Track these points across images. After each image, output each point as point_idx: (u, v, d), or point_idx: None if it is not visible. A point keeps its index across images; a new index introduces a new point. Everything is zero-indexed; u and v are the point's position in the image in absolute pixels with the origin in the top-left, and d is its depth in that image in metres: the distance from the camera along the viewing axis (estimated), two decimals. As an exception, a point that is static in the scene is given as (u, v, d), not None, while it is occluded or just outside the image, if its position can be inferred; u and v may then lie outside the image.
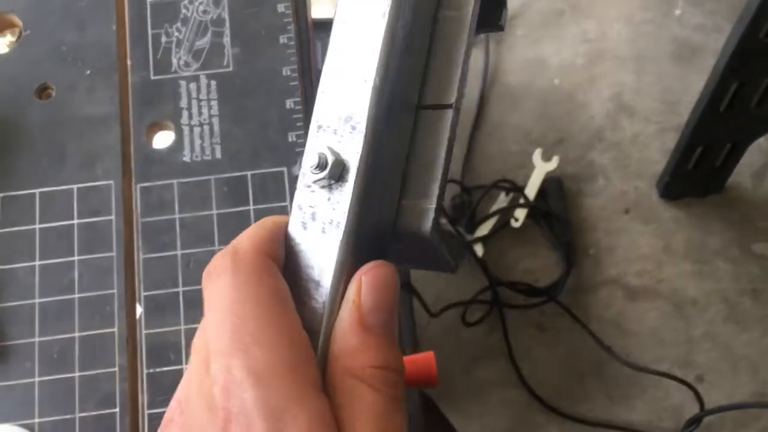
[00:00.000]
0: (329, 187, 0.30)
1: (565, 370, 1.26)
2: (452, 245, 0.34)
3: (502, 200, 1.33)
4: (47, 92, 0.56)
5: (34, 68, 0.56)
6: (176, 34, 0.57)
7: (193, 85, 0.56)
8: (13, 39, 0.59)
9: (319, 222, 0.30)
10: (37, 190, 0.54)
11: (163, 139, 0.56)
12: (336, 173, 0.29)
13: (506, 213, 1.32)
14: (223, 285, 0.27)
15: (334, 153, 0.29)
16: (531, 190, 1.32)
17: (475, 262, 1.25)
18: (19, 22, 0.58)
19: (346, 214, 0.29)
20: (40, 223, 0.53)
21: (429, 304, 1.17)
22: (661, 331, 1.28)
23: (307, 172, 0.30)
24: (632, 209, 1.35)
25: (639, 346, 1.27)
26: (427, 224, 0.31)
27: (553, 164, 1.33)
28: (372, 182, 0.30)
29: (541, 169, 1.33)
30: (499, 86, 1.43)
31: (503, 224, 1.32)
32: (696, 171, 1.27)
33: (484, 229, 1.32)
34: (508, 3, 0.37)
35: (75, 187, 0.54)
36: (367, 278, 0.29)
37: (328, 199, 0.30)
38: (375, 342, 0.28)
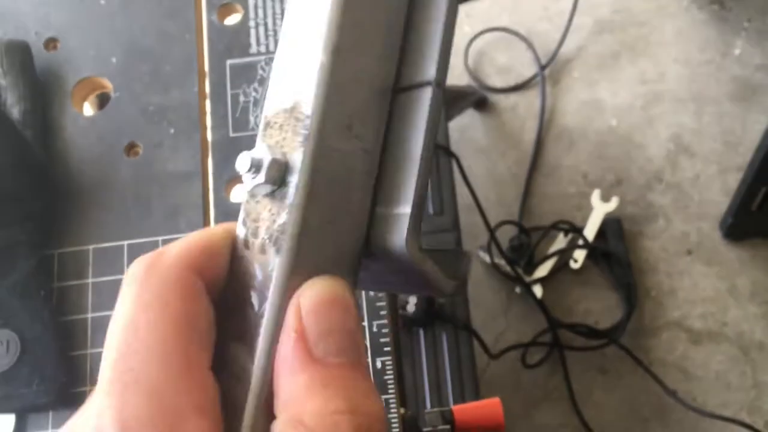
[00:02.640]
0: (272, 194, 0.24)
1: (628, 414, 1.25)
2: (446, 261, 0.27)
3: (560, 241, 1.34)
4: (135, 150, 0.60)
5: (123, 128, 0.60)
6: (253, 93, 0.61)
7: (269, 142, 0.60)
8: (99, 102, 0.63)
9: (260, 238, 0.24)
10: (125, 242, 0.57)
11: (240, 193, 0.59)
12: (275, 177, 0.24)
13: (565, 254, 1.33)
14: (127, 298, 0.23)
15: (274, 152, 0.24)
16: (590, 231, 1.32)
17: (534, 303, 1.25)
18: (110, 85, 0.62)
19: (285, 227, 0.24)
20: (128, 273, 0.56)
21: (489, 346, 1.18)
22: (726, 375, 1.26)
23: (244, 177, 0.25)
24: (694, 250, 1.33)
25: (704, 391, 1.25)
26: (401, 236, 0.25)
27: (612, 205, 1.33)
28: (328, 186, 0.24)
29: (599, 209, 1.33)
30: (556, 128, 1.44)
31: (562, 265, 1.33)
32: (760, 211, 1.25)
33: (542, 271, 1.32)
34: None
35: (160, 238, 0.57)
36: (306, 297, 0.23)
37: (270, 210, 0.24)
38: (331, 377, 0.21)
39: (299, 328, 0.22)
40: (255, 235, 0.25)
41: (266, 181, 0.24)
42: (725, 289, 1.31)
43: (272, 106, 0.26)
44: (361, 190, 0.26)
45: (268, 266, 0.24)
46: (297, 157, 0.24)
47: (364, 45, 0.26)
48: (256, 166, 0.24)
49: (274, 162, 0.24)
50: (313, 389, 0.21)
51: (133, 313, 0.22)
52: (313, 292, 0.23)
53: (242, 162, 0.24)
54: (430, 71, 0.26)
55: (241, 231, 0.26)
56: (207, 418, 0.20)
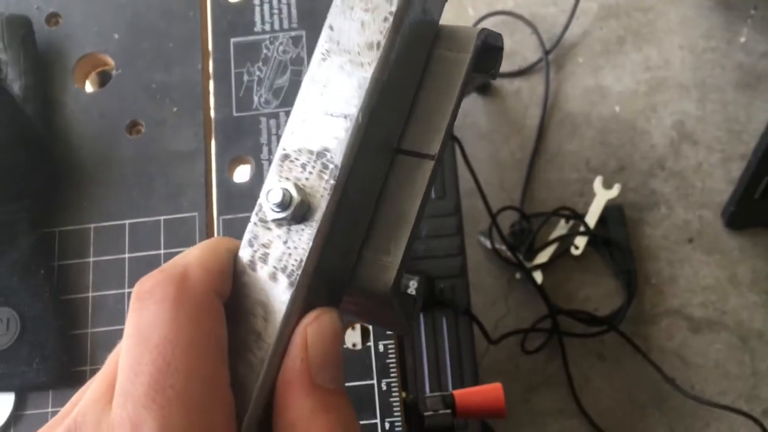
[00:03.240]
0: (288, 228, 0.26)
1: (626, 401, 1.25)
2: (407, 306, 0.30)
3: (561, 227, 1.33)
4: (137, 128, 0.59)
5: (125, 105, 0.59)
6: (258, 73, 0.60)
7: (272, 122, 0.59)
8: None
9: (270, 266, 0.26)
10: (126, 221, 0.57)
11: (243, 173, 0.59)
12: (299, 215, 0.26)
13: (566, 240, 1.32)
14: (160, 316, 0.23)
15: (300, 191, 0.26)
16: (591, 218, 1.32)
17: (534, 289, 1.25)
18: (112, 62, 0.61)
19: (302, 264, 0.25)
20: (129, 252, 0.56)
21: (488, 331, 1.18)
22: (725, 363, 1.26)
23: (266, 207, 0.26)
24: (696, 239, 1.33)
25: (702, 379, 1.25)
26: (387, 283, 0.28)
27: (614, 192, 1.32)
28: (340, 231, 0.27)
29: (601, 196, 1.33)
30: (559, 114, 1.43)
31: (563, 252, 1.32)
32: (763, 200, 1.24)
33: (543, 257, 1.31)
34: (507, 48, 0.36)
35: (162, 218, 0.56)
36: (313, 329, 0.25)
37: (285, 242, 0.26)
38: (332, 403, 0.24)
39: (305, 357, 0.25)
40: (264, 261, 0.26)
41: (291, 218, 0.26)
42: (726, 277, 1.30)
43: (295, 142, 0.27)
44: (358, 236, 0.29)
45: (277, 295, 0.25)
46: (319, 202, 0.26)
47: (391, 108, 0.28)
48: (285, 203, 0.25)
49: (302, 203, 0.26)
50: (317, 413, 0.24)
51: (172, 333, 0.23)
52: (318, 325, 0.25)
53: (274, 196, 0.26)
54: (435, 147, 0.29)
55: (246, 252, 0.27)
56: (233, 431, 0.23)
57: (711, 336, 1.27)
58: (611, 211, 1.33)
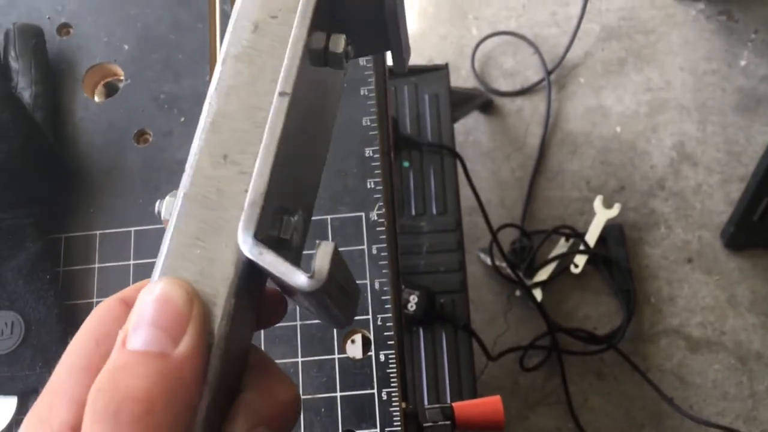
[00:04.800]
0: None
1: (624, 419, 1.25)
2: (337, 297, 0.28)
3: (562, 246, 1.34)
4: (145, 137, 0.60)
5: (133, 115, 0.60)
6: (264, 85, 0.61)
7: (278, 133, 0.60)
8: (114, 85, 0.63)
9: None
10: (132, 228, 0.57)
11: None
12: None
13: (566, 259, 1.33)
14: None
15: None
16: (591, 237, 1.33)
17: (534, 306, 1.26)
18: (121, 72, 0.62)
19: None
20: (134, 259, 0.57)
21: (487, 348, 1.18)
22: (723, 384, 1.26)
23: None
24: (695, 259, 1.33)
25: (701, 399, 1.25)
26: (243, 232, 0.26)
27: (614, 211, 1.33)
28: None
29: (601, 215, 1.33)
30: (560, 133, 1.44)
31: (563, 270, 1.33)
32: (762, 222, 1.25)
33: (543, 274, 1.32)
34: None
35: (167, 226, 0.57)
36: (140, 295, 0.26)
37: None
38: (132, 363, 0.24)
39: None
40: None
41: None
42: (725, 298, 1.31)
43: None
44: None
45: None
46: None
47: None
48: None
49: None
50: (115, 371, 0.24)
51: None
52: (143, 291, 0.26)
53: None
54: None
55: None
56: None
57: (710, 356, 1.28)
58: (611, 230, 1.34)
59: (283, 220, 0.28)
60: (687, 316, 1.30)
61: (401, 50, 0.35)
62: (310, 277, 0.25)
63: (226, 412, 0.27)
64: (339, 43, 0.30)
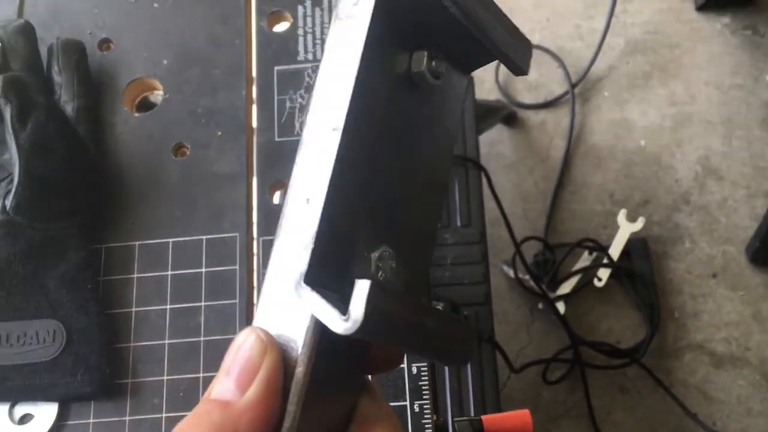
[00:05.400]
0: None
1: (647, 434, 1.24)
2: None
3: (585, 259, 1.34)
4: (182, 150, 0.61)
5: (171, 128, 0.62)
6: (299, 100, 0.62)
7: (313, 148, 0.61)
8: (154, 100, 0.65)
9: None
10: (170, 240, 0.59)
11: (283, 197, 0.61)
12: None
13: (589, 272, 1.33)
14: None
15: None
16: (615, 250, 1.33)
17: (557, 319, 1.26)
18: (160, 86, 0.64)
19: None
20: (171, 269, 0.58)
21: (511, 360, 1.18)
22: (748, 400, 1.25)
23: None
24: (720, 274, 1.33)
25: (725, 415, 1.24)
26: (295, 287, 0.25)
27: (638, 225, 1.33)
28: None
29: (625, 229, 1.33)
30: (584, 146, 1.45)
31: (586, 283, 1.33)
32: (788, 238, 1.25)
33: (566, 287, 1.32)
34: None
35: (204, 238, 0.58)
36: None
37: None
38: (203, 412, 0.26)
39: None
40: None
41: None
42: (749, 314, 1.30)
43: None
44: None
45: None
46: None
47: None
48: None
49: None
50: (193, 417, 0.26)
51: None
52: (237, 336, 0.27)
53: None
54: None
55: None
56: None
57: (734, 372, 1.27)
58: (635, 244, 1.34)
59: (365, 260, 0.27)
60: (711, 331, 1.30)
61: (507, 55, 0.31)
62: (345, 320, 0.23)
63: None
64: (420, 60, 0.28)
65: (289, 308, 0.26)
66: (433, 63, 0.28)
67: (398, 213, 0.29)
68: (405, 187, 0.29)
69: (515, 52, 0.31)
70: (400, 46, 0.28)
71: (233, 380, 0.26)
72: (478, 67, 0.32)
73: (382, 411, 0.29)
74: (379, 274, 0.27)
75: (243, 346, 0.26)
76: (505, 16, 0.30)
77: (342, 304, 0.23)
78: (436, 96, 0.30)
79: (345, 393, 0.28)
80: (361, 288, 0.23)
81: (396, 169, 0.29)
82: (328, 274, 0.25)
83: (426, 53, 0.28)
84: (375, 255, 0.27)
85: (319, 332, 0.25)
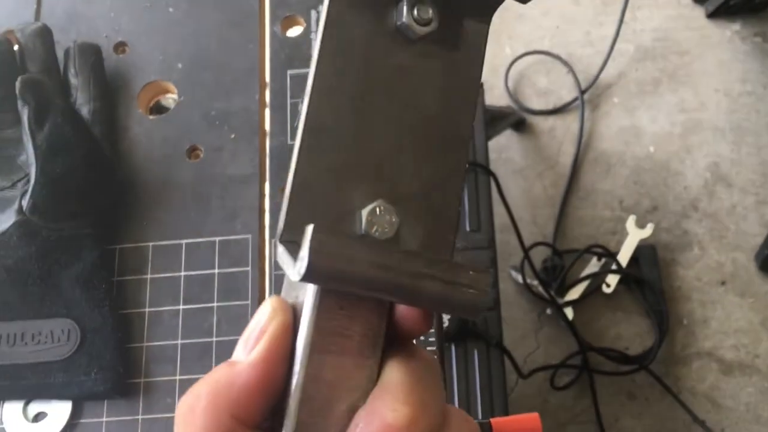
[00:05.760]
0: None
1: (655, 441, 1.24)
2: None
3: (593, 265, 1.34)
4: (196, 153, 0.62)
5: (186, 131, 0.62)
6: (312, 103, 0.63)
7: (325, 151, 0.61)
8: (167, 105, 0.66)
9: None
10: (183, 241, 0.59)
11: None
12: None
13: (598, 278, 1.33)
14: None
15: None
16: (624, 257, 1.33)
17: (565, 325, 1.26)
18: (175, 89, 0.64)
19: None
20: (184, 270, 0.58)
21: (519, 366, 1.18)
22: (756, 407, 1.25)
23: None
24: (728, 281, 1.33)
25: (733, 422, 1.24)
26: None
27: (647, 231, 1.33)
28: None
29: (634, 235, 1.33)
30: (593, 152, 1.45)
31: (594, 289, 1.33)
32: (797, 245, 1.24)
33: (574, 293, 1.32)
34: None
35: (217, 239, 0.59)
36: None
37: None
38: None
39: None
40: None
41: None
42: (758, 321, 1.30)
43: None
44: None
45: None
46: None
47: None
48: None
49: None
50: None
51: None
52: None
53: None
54: None
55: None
56: None
57: (743, 379, 1.27)
58: (644, 250, 1.34)
59: (353, 216, 0.27)
60: (720, 338, 1.30)
61: None
62: (295, 267, 0.24)
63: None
64: (402, 11, 0.28)
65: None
66: (416, 10, 0.28)
67: (402, 169, 0.28)
68: (409, 141, 0.29)
69: None
70: (386, 1, 0.28)
71: (242, 343, 0.26)
72: (490, 10, 0.31)
73: (404, 375, 0.27)
74: (374, 229, 0.27)
75: (258, 312, 0.27)
76: None
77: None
78: (444, 47, 0.29)
79: (367, 358, 0.27)
80: (306, 234, 0.23)
81: (396, 125, 0.28)
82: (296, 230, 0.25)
83: (405, 1, 0.28)
84: (365, 210, 0.27)
85: (323, 293, 0.25)
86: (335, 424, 0.25)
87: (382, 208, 0.27)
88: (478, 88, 0.31)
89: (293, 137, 0.62)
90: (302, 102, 0.26)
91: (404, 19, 0.28)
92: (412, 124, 0.29)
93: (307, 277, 0.23)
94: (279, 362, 0.26)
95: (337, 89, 0.27)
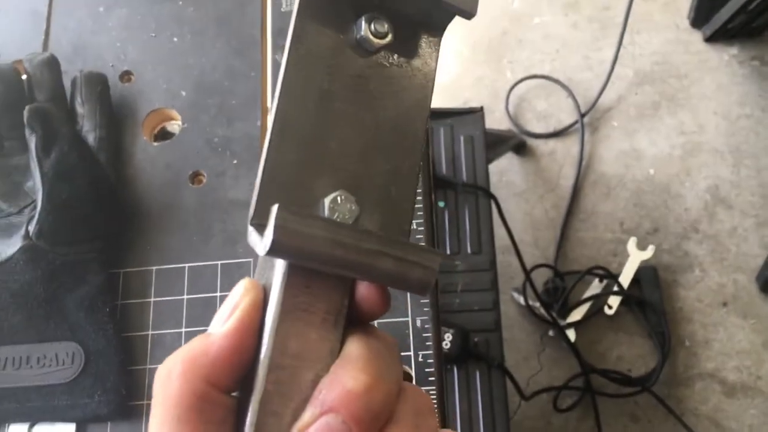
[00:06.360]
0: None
1: (658, 463, 1.24)
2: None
3: (595, 287, 1.35)
4: (199, 178, 0.63)
5: (189, 157, 0.64)
6: (312, 130, 0.64)
7: (325, 176, 0.63)
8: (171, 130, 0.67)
9: None
10: (186, 265, 0.60)
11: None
12: None
13: (600, 300, 1.33)
14: (152, 417, 0.28)
15: None
16: (625, 278, 1.33)
17: (567, 347, 1.26)
18: (179, 117, 0.66)
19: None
20: (187, 294, 0.60)
21: (521, 388, 1.18)
22: (760, 429, 1.25)
23: None
24: (730, 302, 1.33)
25: (737, 445, 1.24)
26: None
27: (648, 253, 1.34)
28: None
29: (635, 257, 1.34)
30: (594, 175, 1.46)
31: (596, 311, 1.33)
32: (798, 266, 1.25)
33: (576, 315, 1.33)
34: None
35: (219, 263, 0.60)
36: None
37: None
38: None
39: None
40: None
41: None
42: (761, 342, 1.30)
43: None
44: None
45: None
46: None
47: None
48: None
49: None
50: None
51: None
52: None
53: None
54: None
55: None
56: None
57: (745, 401, 1.26)
58: (645, 272, 1.34)
59: (317, 203, 0.30)
60: (722, 359, 1.30)
61: (453, 4, 0.32)
62: (262, 242, 0.26)
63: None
64: (360, 26, 0.31)
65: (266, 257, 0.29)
66: (373, 25, 0.31)
67: (362, 164, 0.32)
68: (368, 140, 0.32)
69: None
70: (347, 15, 0.31)
71: (217, 317, 0.29)
72: (441, 26, 0.34)
73: (359, 349, 0.29)
74: (335, 215, 0.29)
75: (233, 291, 0.29)
76: None
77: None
78: (399, 58, 0.33)
79: (330, 333, 0.29)
80: (272, 212, 0.26)
81: (355, 125, 0.32)
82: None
83: (364, 17, 0.31)
84: (328, 199, 0.30)
85: (290, 272, 0.28)
86: (300, 392, 0.28)
87: (343, 197, 0.30)
88: (431, 94, 0.34)
89: (294, 163, 0.63)
90: (272, 103, 0.30)
91: (362, 33, 0.31)
92: (371, 125, 0.32)
93: (272, 251, 0.26)
94: (249, 334, 0.28)
95: (302, 93, 0.30)
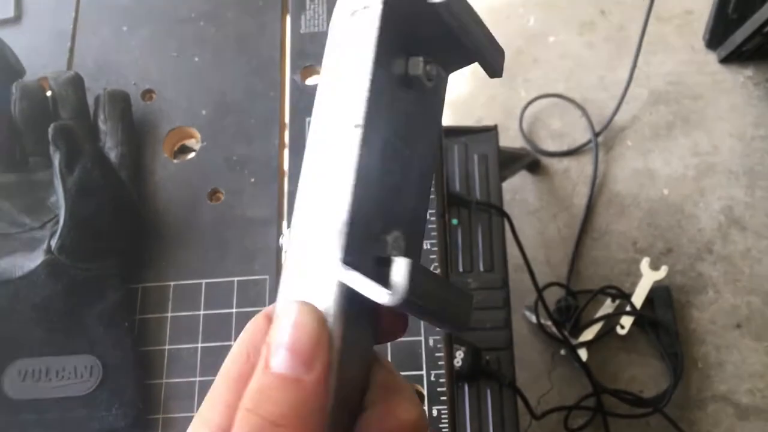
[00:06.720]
0: None
1: (670, 486, 1.23)
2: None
3: (608, 306, 1.35)
4: (217, 196, 0.65)
5: (208, 174, 0.65)
6: (329, 149, 0.65)
7: (341, 195, 0.64)
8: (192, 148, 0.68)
9: None
10: (203, 281, 0.61)
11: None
12: None
13: (612, 319, 1.33)
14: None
15: None
16: (638, 298, 1.33)
17: (579, 366, 1.26)
18: (198, 135, 0.67)
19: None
20: (204, 309, 0.60)
21: (532, 407, 1.18)
22: (773, 453, 1.24)
23: None
24: (744, 324, 1.32)
25: (750, 468, 1.23)
26: (333, 267, 0.28)
27: (661, 273, 1.34)
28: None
29: (648, 277, 1.34)
30: (607, 194, 1.46)
31: (608, 330, 1.33)
32: (812, 289, 1.24)
33: (588, 334, 1.32)
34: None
35: (236, 279, 0.61)
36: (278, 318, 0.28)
37: None
38: (274, 386, 0.26)
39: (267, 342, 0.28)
40: None
41: None
42: (774, 365, 1.29)
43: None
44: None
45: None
46: None
47: None
48: None
49: None
50: (260, 392, 0.27)
51: None
52: (289, 310, 0.28)
53: None
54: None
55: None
56: None
57: (759, 424, 1.26)
58: (658, 292, 1.34)
59: (381, 241, 0.30)
60: (736, 382, 1.29)
61: (485, 57, 0.34)
62: (390, 294, 0.27)
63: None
64: (417, 65, 0.32)
65: (318, 285, 0.28)
66: (428, 67, 0.32)
67: (402, 199, 0.33)
68: (405, 175, 0.33)
69: (492, 55, 0.34)
70: (398, 50, 0.32)
71: (298, 357, 0.27)
72: (458, 69, 0.36)
73: (398, 380, 0.30)
74: (393, 253, 0.30)
75: (303, 322, 0.27)
76: (483, 24, 0.34)
77: (373, 279, 0.27)
78: (427, 95, 0.34)
79: (362, 364, 0.30)
80: (402, 264, 0.27)
81: (399, 160, 0.33)
82: (353, 253, 0.28)
83: (422, 58, 0.32)
84: (390, 237, 0.31)
85: (346, 307, 0.28)
86: (345, 423, 0.28)
87: (398, 234, 0.31)
88: (441, 126, 0.36)
89: (311, 182, 0.64)
90: (347, 151, 0.29)
91: (418, 73, 0.32)
92: (408, 160, 0.33)
93: (401, 305, 0.27)
94: (330, 375, 0.27)
95: (376, 138, 0.30)
